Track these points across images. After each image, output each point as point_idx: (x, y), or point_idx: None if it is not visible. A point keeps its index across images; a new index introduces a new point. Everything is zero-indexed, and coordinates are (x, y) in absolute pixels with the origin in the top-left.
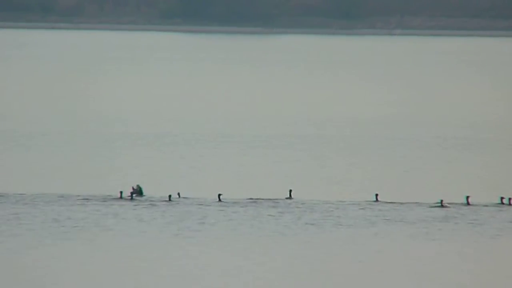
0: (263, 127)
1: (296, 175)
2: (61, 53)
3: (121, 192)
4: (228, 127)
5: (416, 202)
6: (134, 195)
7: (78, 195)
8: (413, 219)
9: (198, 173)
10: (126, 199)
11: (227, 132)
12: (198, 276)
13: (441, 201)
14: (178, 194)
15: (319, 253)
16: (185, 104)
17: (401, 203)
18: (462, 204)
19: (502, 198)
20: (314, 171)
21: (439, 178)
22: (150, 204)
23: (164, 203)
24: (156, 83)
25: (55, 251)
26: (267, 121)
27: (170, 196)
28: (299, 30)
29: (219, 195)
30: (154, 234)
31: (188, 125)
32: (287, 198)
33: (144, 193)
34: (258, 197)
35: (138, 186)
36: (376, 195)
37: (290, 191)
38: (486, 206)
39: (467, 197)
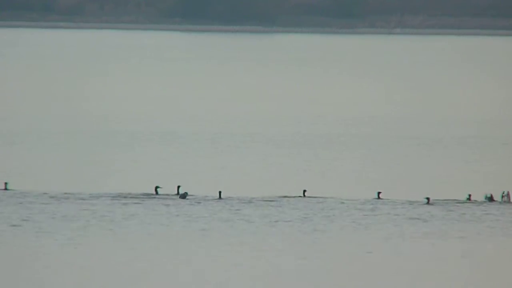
0: (263, 126)
1: (295, 173)
2: (61, 53)
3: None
4: (228, 126)
5: (418, 200)
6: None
7: (90, 193)
8: (414, 216)
9: (208, 171)
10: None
11: (226, 131)
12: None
13: (428, 198)
14: (179, 190)
15: (325, 252)
16: (185, 104)
17: (403, 201)
18: (464, 201)
19: (486, 195)
20: (317, 170)
21: (441, 175)
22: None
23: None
24: (157, 82)
25: (80, 250)
26: (267, 120)
27: (185, 193)
28: (300, 29)
29: (220, 192)
30: (177, 232)
31: (188, 124)
32: (301, 196)
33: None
34: (268, 195)
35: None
36: (379, 192)
37: (304, 191)
38: (489, 203)
39: (469, 195)
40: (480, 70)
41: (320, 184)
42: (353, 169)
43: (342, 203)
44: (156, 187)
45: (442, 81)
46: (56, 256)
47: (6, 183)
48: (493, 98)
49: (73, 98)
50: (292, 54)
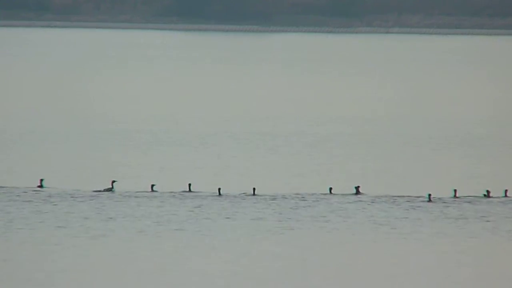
0: (261, 125)
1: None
2: (57, 52)
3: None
4: (225, 126)
5: (437, 197)
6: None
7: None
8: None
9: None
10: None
11: (224, 131)
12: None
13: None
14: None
15: (336, 251)
16: (183, 103)
17: (417, 197)
18: (479, 197)
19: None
20: (320, 169)
21: (453, 173)
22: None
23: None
24: (153, 81)
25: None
26: (265, 119)
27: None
28: (297, 28)
29: (219, 189)
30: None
31: (186, 124)
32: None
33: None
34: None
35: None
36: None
37: (330, 188)
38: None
39: (481, 191)
40: (478, 69)
41: (326, 183)
42: (362, 168)
43: (366, 200)
44: (113, 181)
45: (439, 80)
46: (89, 251)
47: (42, 180)
48: (491, 96)
49: (69, 97)
50: (289, 54)
